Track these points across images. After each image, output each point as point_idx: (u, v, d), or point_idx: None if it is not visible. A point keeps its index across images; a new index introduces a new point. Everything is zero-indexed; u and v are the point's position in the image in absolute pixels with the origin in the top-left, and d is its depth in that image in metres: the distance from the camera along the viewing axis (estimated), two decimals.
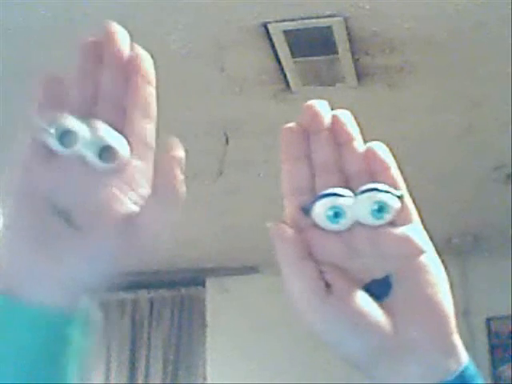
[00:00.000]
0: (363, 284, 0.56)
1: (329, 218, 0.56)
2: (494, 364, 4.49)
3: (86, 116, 0.58)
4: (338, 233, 0.57)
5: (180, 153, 0.59)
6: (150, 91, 0.61)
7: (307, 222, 0.57)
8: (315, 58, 2.81)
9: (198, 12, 2.53)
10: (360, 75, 2.91)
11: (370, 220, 0.56)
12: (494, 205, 3.93)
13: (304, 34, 2.66)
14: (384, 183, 0.57)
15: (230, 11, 2.53)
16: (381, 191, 0.56)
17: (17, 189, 0.57)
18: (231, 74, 2.87)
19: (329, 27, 2.61)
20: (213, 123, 3.21)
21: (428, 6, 2.52)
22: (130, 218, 0.56)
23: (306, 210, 0.57)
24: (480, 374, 0.55)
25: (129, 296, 4.93)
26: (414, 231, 0.57)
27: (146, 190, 0.58)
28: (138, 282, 4.89)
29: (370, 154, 0.58)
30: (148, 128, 0.60)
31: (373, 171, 0.58)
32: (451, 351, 0.55)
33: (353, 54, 2.76)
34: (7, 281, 0.55)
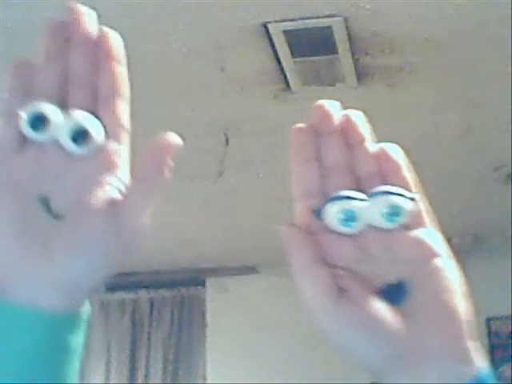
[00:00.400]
0: (377, 289, 0.55)
1: (341, 221, 0.55)
2: (494, 364, 4.49)
3: (58, 100, 0.56)
4: (350, 236, 0.56)
5: (176, 142, 0.57)
6: (121, 70, 0.59)
7: (318, 224, 0.56)
8: (315, 57, 2.81)
9: (198, 12, 2.53)
10: (360, 75, 2.91)
11: (383, 223, 0.55)
12: (494, 205, 3.93)
13: (304, 34, 2.66)
14: (397, 185, 0.56)
15: (230, 11, 2.53)
16: (394, 194, 0.55)
17: None
18: (231, 74, 2.87)
19: (329, 27, 2.61)
20: (213, 123, 3.21)
21: (428, 6, 2.52)
22: (113, 205, 0.54)
23: (318, 213, 0.56)
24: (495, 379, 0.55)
25: (129, 296, 4.93)
26: (429, 234, 0.56)
27: (126, 174, 0.56)
28: (138, 282, 4.89)
29: (382, 155, 0.57)
30: (122, 109, 0.58)
31: (385, 173, 0.57)
32: (466, 357, 0.54)
33: (353, 54, 2.76)
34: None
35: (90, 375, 4.79)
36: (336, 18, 2.57)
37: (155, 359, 4.82)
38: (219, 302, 4.84)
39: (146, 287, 4.92)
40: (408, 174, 0.57)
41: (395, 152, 0.57)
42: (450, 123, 3.23)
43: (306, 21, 2.60)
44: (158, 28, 2.59)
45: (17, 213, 0.54)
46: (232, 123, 3.23)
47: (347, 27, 2.61)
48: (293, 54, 2.76)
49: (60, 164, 0.56)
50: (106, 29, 0.59)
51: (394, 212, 0.55)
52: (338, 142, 0.57)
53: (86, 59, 0.58)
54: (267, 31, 2.63)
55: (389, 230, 0.55)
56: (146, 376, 4.79)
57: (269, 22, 2.59)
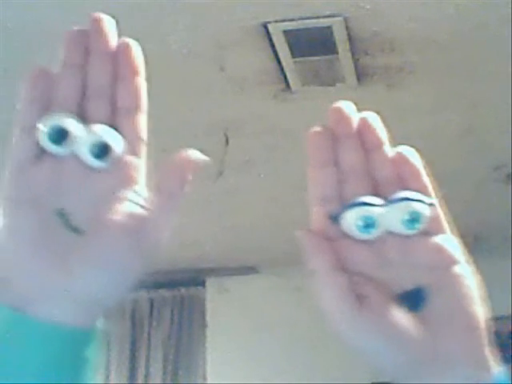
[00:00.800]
0: (394, 295, 0.55)
1: (360, 227, 0.54)
2: None
3: (76, 111, 0.55)
4: (367, 242, 0.55)
5: (199, 159, 0.57)
6: (140, 82, 0.57)
7: (335, 230, 0.55)
8: (315, 57, 2.81)
9: (198, 12, 2.53)
10: (360, 75, 2.91)
11: (402, 230, 0.55)
12: (494, 205, 3.93)
13: (304, 34, 2.66)
14: (415, 190, 0.55)
15: (230, 11, 2.53)
16: (413, 200, 0.55)
17: (11, 193, 0.54)
18: (231, 74, 2.87)
19: (329, 27, 2.61)
20: (213, 123, 3.21)
21: (428, 7, 2.52)
22: (133, 219, 0.53)
23: (335, 219, 0.55)
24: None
25: (129, 296, 4.93)
26: (447, 241, 0.56)
27: (143, 188, 0.55)
28: (138, 282, 4.89)
29: (400, 160, 0.56)
30: (141, 122, 0.57)
31: (403, 177, 0.56)
32: (485, 363, 0.54)
33: (353, 53, 2.76)
34: (17, 295, 0.52)
35: None
36: (336, 18, 2.57)
37: (155, 359, 4.82)
38: (219, 302, 4.84)
39: (145, 287, 4.92)
40: (426, 179, 0.57)
41: (413, 156, 0.57)
42: (450, 123, 3.23)
43: (306, 21, 2.60)
44: (158, 28, 2.59)
45: (35, 226, 0.53)
46: (232, 123, 3.22)
47: (347, 27, 2.61)
48: (293, 54, 2.76)
49: (78, 177, 0.55)
50: (126, 39, 0.57)
51: (414, 218, 0.54)
52: (355, 146, 0.56)
53: (106, 70, 0.56)
54: (267, 31, 2.62)
55: (407, 236, 0.55)
56: (146, 376, 4.79)
57: (269, 22, 2.59)
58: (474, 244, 4.39)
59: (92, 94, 0.56)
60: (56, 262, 0.52)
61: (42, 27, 2.58)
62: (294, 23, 2.60)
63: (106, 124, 0.55)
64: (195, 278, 4.89)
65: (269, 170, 3.46)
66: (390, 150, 0.57)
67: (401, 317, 0.54)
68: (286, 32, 2.63)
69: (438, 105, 3.09)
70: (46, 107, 0.55)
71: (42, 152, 0.54)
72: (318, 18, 2.58)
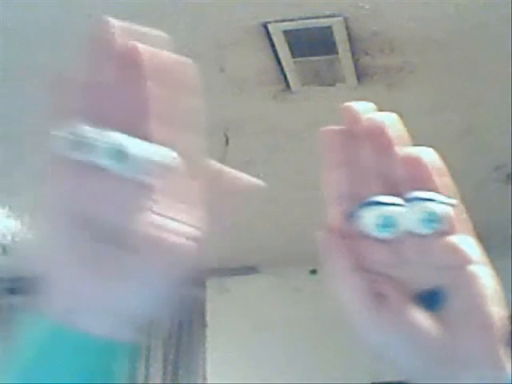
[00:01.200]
0: (412, 294, 0.55)
1: (379, 226, 0.54)
2: None
3: (130, 127, 0.54)
4: (384, 241, 0.55)
5: (256, 184, 0.56)
6: (195, 102, 0.56)
7: (352, 229, 0.55)
8: (315, 57, 2.81)
9: (198, 12, 2.53)
10: (360, 75, 2.91)
11: (421, 229, 0.55)
12: (494, 205, 3.93)
13: (304, 34, 2.66)
14: (433, 190, 0.55)
15: (230, 11, 2.53)
16: (432, 200, 0.55)
17: (52, 206, 0.54)
18: (231, 74, 2.87)
19: (329, 27, 2.61)
20: (213, 123, 3.20)
21: (428, 6, 2.52)
22: (177, 236, 0.53)
23: (352, 218, 0.55)
24: None
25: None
26: (464, 241, 0.56)
27: (201, 212, 0.55)
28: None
29: (417, 159, 0.56)
30: (195, 143, 0.57)
31: (421, 177, 0.56)
32: (501, 364, 0.53)
33: (353, 53, 2.76)
34: (56, 305, 0.52)
35: None
36: (336, 18, 2.57)
37: (155, 359, 4.82)
38: (219, 302, 4.84)
39: None
40: (446, 179, 0.57)
41: (432, 156, 0.57)
42: (450, 123, 3.23)
43: (306, 21, 2.60)
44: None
45: (77, 241, 0.53)
46: (232, 123, 3.23)
47: (347, 27, 2.61)
48: (293, 54, 2.76)
49: (122, 191, 0.53)
50: (180, 57, 0.56)
51: (433, 218, 0.54)
52: (371, 145, 0.56)
53: (158, 87, 0.55)
54: (267, 31, 2.63)
55: (424, 236, 0.55)
56: (146, 376, 4.79)
57: (269, 22, 2.59)
58: None
59: (150, 112, 0.55)
60: (98, 274, 0.52)
61: (42, 27, 2.58)
62: (294, 23, 2.60)
63: (154, 140, 0.54)
64: (195, 278, 4.89)
65: (269, 170, 3.46)
66: (408, 149, 0.57)
67: (420, 316, 0.54)
68: (286, 32, 2.63)
69: (438, 105, 3.09)
70: (87, 120, 0.54)
71: (83, 165, 0.54)
72: (317, 17, 2.58)
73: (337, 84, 2.97)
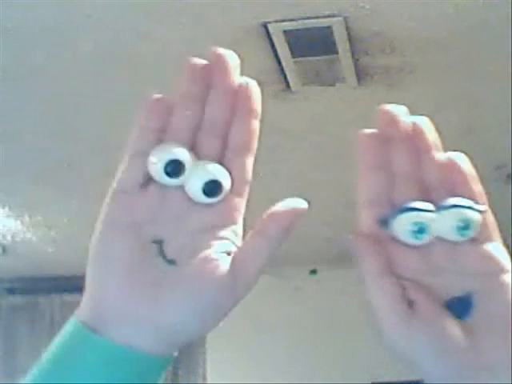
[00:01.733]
0: (442, 301, 0.55)
1: (412, 233, 0.54)
2: None
3: (189, 144, 0.55)
4: (415, 247, 0.55)
5: (302, 207, 0.56)
6: (255, 125, 0.57)
7: (384, 234, 0.55)
8: (315, 58, 2.81)
9: (198, 12, 2.53)
10: (360, 75, 2.91)
11: (454, 236, 0.55)
12: (494, 205, 3.92)
13: (304, 34, 2.66)
14: (466, 197, 0.55)
15: (230, 11, 2.53)
16: (465, 207, 0.54)
17: (111, 217, 0.54)
18: None
19: (329, 27, 2.61)
20: None
21: (428, 6, 2.52)
22: (228, 257, 0.54)
23: (384, 223, 0.55)
24: None
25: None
26: (496, 249, 0.56)
27: (240, 229, 0.56)
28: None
29: (451, 165, 0.56)
30: (248, 163, 0.57)
31: (454, 183, 0.56)
32: None
33: (353, 53, 2.76)
34: (98, 315, 0.53)
35: None
36: (336, 18, 2.57)
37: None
38: None
39: None
40: (478, 186, 0.57)
41: (465, 162, 0.57)
42: (450, 123, 3.23)
43: (306, 21, 2.60)
44: (158, 28, 2.59)
45: (129, 252, 0.53)
46: None
47: (347, 27, 2.61)
48: (293, 54, 2.76)
49: (181, 209, 0.54)
50: (248, 80, 0.57)
51: (466, 225, 0.54)
52: (406, 149, 0.56)
53: (224, 107, 0.56)
54: (267, 31, 2.62)
55: (455, 243, 0.55)
56: None
57: (269, 22, 2.59)
58: None
59: (206, 128, 0.56)
60: (144, 288, 0.53)
61: (42, 27, 2.58)
62: (294, 23, 2.60)
63: (215, 160, 0.55)
64: None
65: (269, 170, 3.45)
66: (441, 155, 0.57)
67: (449, 324, 0.54)
68: (286, 32, 2.63)
69: (438, 105, 3.09)
70: (159, 136, 0.55)
71: (148, 180, 0.54)
72: (317, 18, 2.58)
73: (337, 84, 2.96)
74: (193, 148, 0.55)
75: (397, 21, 2.59)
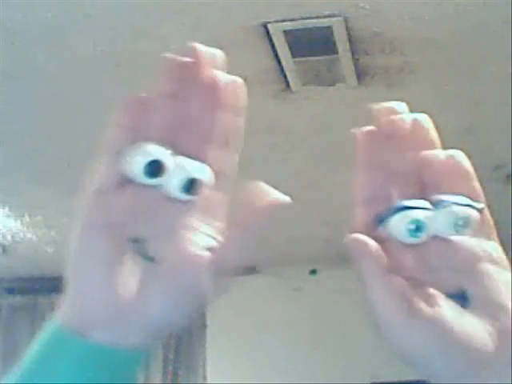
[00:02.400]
0: None
1: (409, 231, 0.54)
2: None
3: (166, 140, 0.54)
4: (411, 246, 0.55)
5: (284, 201, 0.56)
6: (238, 121, 0.56)
7: (381, 233, 0.55)
8: (315, 57, 2.81)
9: (198, 12, 2.53)
10: (360, 75, 2.91)
11: (450, 233, 0.54)
12: (494, 205, 3.92)
13: (304, 34, 2.66)
14: (465, 195, 0.55)
15: (230, 11, 2.53)
16: (462, 205, 0.54)
17: (88, 216, 0.54)
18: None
19: (329, 27, 2.61)
20: None
21: (428, 6, 2.52)
22: (208, 251, 0.54)
23: (380, 221, 0.55)
24: None
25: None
26: (493, 247, 0.56)
27: (222, 224, 0.55)
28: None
29: (451, 163, 0.56)
30: (231, 159, 0.57)
31: (453, 180, 0.56)
32: None
33: (353, 53, 2.76)
34: (77, 316, 0.53)
35: None
36: (336, 18, 2.57)
37: (155, 359, 4.82)
38: (219, 302, 4.84)
39: None
40: (475, 183, 0.56)
41: (463, 160, 0.57)
42: (450, 123, 3.23)
43: (306, 21, 2.60)
44: (158, 28, 2.59)
45: (108, 253, 0.53)
46: None
47: (347, 27, 2.61)
48: (293, 54, 2.76)
49: (159, 207, 0.54)
50: (233, 77, 0.57)
51: (464, 223, 0.54)
52: (405, 146, 0.56)
53: (205, 103, 0.55)
54: (267, 31, 2.63)
55: (447, 239, 0.55)
56: (146, 376, 4.79)
57: (269, 22, 2.59)
58: None
59: (184, 125, 0.55)
60: (126, 287, 0.53)
61: (42, 27, 2.58)
62: (293, 23, 2.60)
63: (194, 156, 0.54)
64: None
65: (269, 170, 3.45)
66: (440, 152, 0.57)
67: (453, 321, 0.53)
68: (286, 32, 2.63)
69: (438, 105, 3.09)
70: (135, 136, 0.54)
71: (125, 180, 0.54)
72: (318, 18, 2.58)
73: (337, 84, 2.97)
74: (172, 145, 0.54)
75: (397, 21, 2.59)
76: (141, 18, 2.52)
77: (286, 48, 2.72)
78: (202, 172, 0.54)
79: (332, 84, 2.97)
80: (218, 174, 0.56)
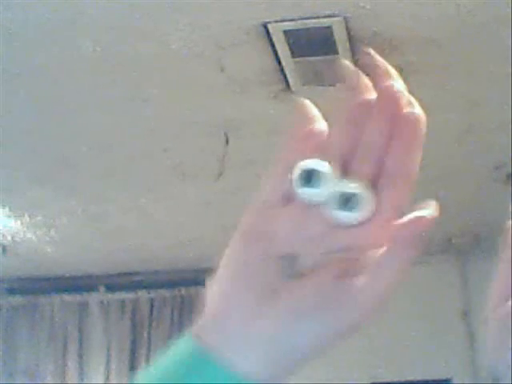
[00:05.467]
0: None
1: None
2: None
3: (335, 161, 0.53)
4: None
5: (431, 215, 0.53)
6: (417, 157, 0.53)
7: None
8: (315, 58, 2.81)
9: (198, 12, 2.53)
10: None
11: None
12: (494, 205, 3.92)
13: (304, 34, 2.66)
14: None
15: (230, 11, 2.53)
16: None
17: (248, 225, 0.54)
18: (231, 74, 2.87)
19: (329, 27, 2.61)
20: (213, 123, 3.21)
21: (428, 6, 2.52)
22: (356, 280, 0.52)
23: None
24: None
25: (129, 296, 4.93)
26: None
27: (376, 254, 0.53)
28: (138, 282, 4.89)
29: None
30: (401, 191, 0.53)
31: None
32: None
33: (353, 54, 2.76)
34: (214, 335, 0.52)
35: (90, 375, 4.79)
36: (336, 18, 2.57)
37: (155, 359, 4.81)
38: None
39: (146, 287, 4.92)
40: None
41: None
42: (450, 123, 3.23)
43: (306, 21, 2.60)
44: (158, 28, 2.59)
45: (257, 264, 0.52)
46: (232, 123, 3.23)
47: (347, 27, 2.61)
48: (293, 54, 2.76)
49: (320, 227, 0.52)
50: (416, 110, 0.55)
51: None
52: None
53: (384, 133, 0.53)
54: (267, 31, 2.63)
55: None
56: None
57: (269, 22, 2.59)
58: (474, 244, 4.39)
59: (360, 151, 0.54)
60: (260, 304, 0.52)
61: (42, 27, 2.58)
62: (293, 23, 2.60)
63: (363, 182, 0.53)
64: (195, 278, 4.89)
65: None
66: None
67: None
68: (286, 32, 2.63)
69: (437, 105, 3.09)
70: (308, 156, 0.54)
71: (293, 196, 0.53)
72: (318, 17, 2.58)
73: (337, 84, 2.96)
74: (344, 170, 0.53)
75: (397, 21, 2.59)
76: (141, 18, 2.52)
77: (286, 48, 2.72)
78: (364, 193, 0.52)
79: (332, 84, 2.97)
80: (383, 205, 0.53)
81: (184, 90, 2.97)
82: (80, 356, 4.83)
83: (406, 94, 0.56)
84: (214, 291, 0.54)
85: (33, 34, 2.61)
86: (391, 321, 4.18)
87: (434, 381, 4.28)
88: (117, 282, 4.89)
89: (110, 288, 4.89)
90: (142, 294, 4.95)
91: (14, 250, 4.49)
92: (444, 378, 4.29)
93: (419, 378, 4.31)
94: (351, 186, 0.52)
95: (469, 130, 3.29)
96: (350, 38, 2.67)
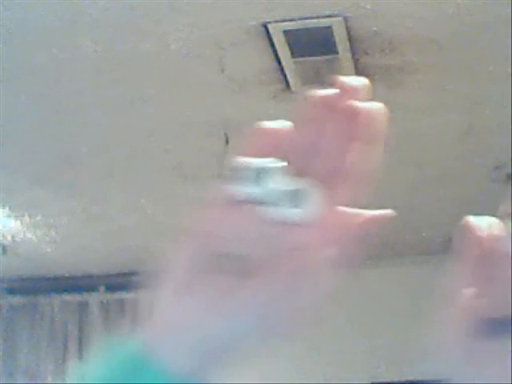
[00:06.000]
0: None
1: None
2: None
3: (297, 169, 0.53)
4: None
5: (387, 215, 0.53)
6: (370, 156, 0.53)
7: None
8: (315, 57, 2.81)
9: (198, 12, 2.53)
10: (360, 75, 2.90)
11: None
12: (494, 205, 3.92)
13: (304, 34, 2.66)
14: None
15: (230, 11, 2.53)
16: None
17: (195, 230, 0.54)
18: (231, 74, 2.87)
19: (329, 27, 2.61)
20: (213, 123, 3.21)
21: (428, 6, 2.52)
22: (304, 275, 0.52)
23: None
24: None
25: (129, 296, 4.93)
26: None
27: (327, 252, 0.53)
28: (138, 282, 4.89)
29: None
30: (358, 188, 0.53)
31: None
32: None
33: (353, 53, 2.76)
34: (152, 334, 0.53)
35: None
36: (336, 18, 2.57)
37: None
38: None
39: (145, 287, 4.92)
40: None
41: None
42: (450, 123, 3.23)
43: (306, 21, 2.60)
44: (158, 28, 2.59)
45: (200, 261, 0.53)
46: (232, 123, 3.23)
47: (347, 27, 2.61)
48: (293, 54, 2.76)
49: (267, 226, 0.52)
50: (374, 104, 0.54)
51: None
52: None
53: (339, 129, 0.53)
54: (267, 31, 2.63)
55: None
56: None
57: (269, 22, 2.59)
58: None
59: (316, 149, 0.54)
60: (210, 301, 0.52)
61: (42, 27, 2.58)
62: (293, 23, 2.60)
63: (322, 185, 0.52)
64: None
65: None
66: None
67: None
68: (285, 32, 2.63)
69: (438, 105, 3.09)
70: (267, 154, 0.54)
71: (234, 198, 0.53)
72: (318, 17, 2.58)
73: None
74: (299, 169, 0.53)
75: (397, 21, 2.59)
76: (141, 18, 2.52)
77: (286, 48, 2.72)
78: (311, 190, 0.52)
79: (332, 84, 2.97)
80: (341, 203, 0.53)
81: (184, 90, 2.97)
82: (80, 356, 4.83)
83: (365, 91, 0.55)
84: (159, 293, 0.55)
85: (33, 34, 2.61)
86: (391, 321, 4.19)
87: (433, 381, 4.28)
88: (117, 282, 4.89)
89: (110, 288, 4.89)
90: (142, 294, 4.95)
91: (13, 249, 4.49)
92: (444, 378, 4.29)
93: (419, 377, 4.32)
94: (298, 184, 0.52)
95: (469, 130, 3.29)
96: (350, 38, 2.67)
